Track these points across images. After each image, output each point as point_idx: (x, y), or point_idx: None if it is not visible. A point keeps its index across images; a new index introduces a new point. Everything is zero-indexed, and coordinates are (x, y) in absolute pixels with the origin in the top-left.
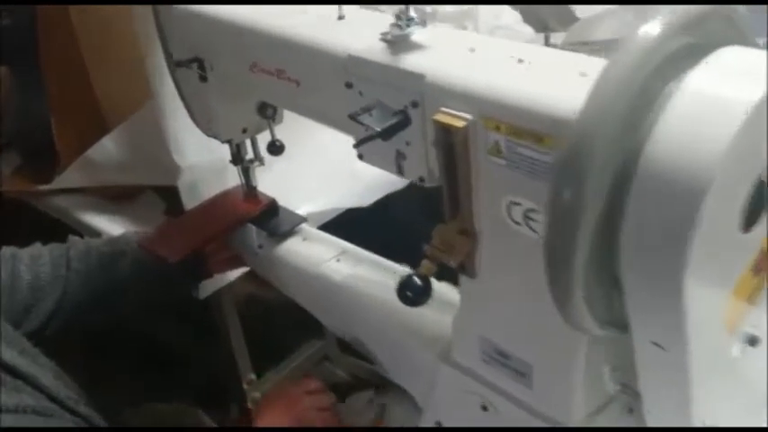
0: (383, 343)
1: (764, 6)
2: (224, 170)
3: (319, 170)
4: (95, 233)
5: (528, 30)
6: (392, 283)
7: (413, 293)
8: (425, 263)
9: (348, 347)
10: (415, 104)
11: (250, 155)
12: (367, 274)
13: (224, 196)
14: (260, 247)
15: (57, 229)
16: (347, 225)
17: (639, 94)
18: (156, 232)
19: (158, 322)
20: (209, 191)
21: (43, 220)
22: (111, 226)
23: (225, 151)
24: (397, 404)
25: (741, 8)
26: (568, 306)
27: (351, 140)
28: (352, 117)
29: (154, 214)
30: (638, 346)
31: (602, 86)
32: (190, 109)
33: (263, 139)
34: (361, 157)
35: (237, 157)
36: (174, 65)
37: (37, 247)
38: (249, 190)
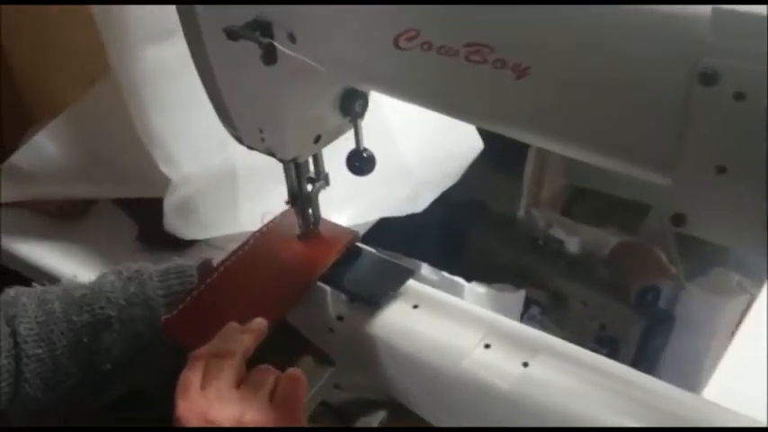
0: None
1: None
2: (233, 180)
3: None
4: (30, 268)
5: None
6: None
7: None
8: None
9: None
10: None
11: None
12: (554, 377)
13: (272, 235)
14: (339, 319)
15: None
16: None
17: None
18: (183, 309)
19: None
20: (211, 211)
21: None
22: (54, 256)
23: (233, 151)
24: None
25: None
26: None
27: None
28: None
29: (118, 237)
30: None
31: None
32: (225, 110)
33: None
34: None
35: (298, 185)
36: (227, 36)
37: None
38: (311, 225)
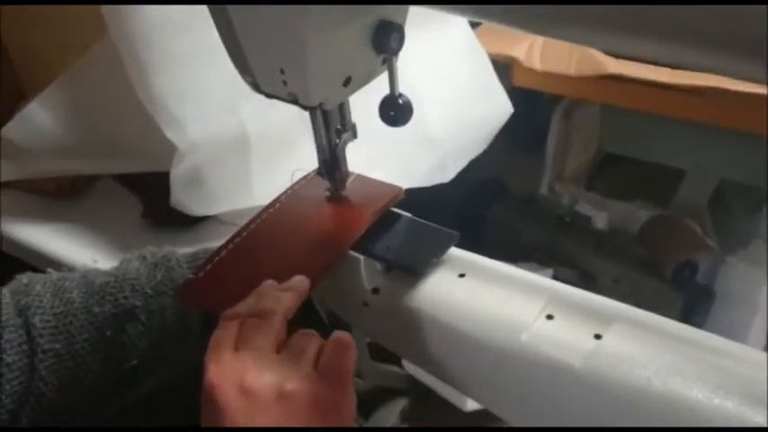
0: None
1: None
2: (246, 148)
3: (376, 131)
4: (30, 252)
5: None
6: None
7: None
8: None
9: (379, 355)
10: None
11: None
12: (635, 349)
13: (301, 196)
14: (374, 291)
15: None
16: None
17: None
18: (207, 272)
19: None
20: (221, 183)
21: None
22: (54, 239)
23: (245, 115)
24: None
25: None
26: None
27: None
28: None
29: (122, 215)
30: None
31: None
32: (239, 50)
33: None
34: None
35: (326, 134)
36: None
37: None
38: (339, 186)
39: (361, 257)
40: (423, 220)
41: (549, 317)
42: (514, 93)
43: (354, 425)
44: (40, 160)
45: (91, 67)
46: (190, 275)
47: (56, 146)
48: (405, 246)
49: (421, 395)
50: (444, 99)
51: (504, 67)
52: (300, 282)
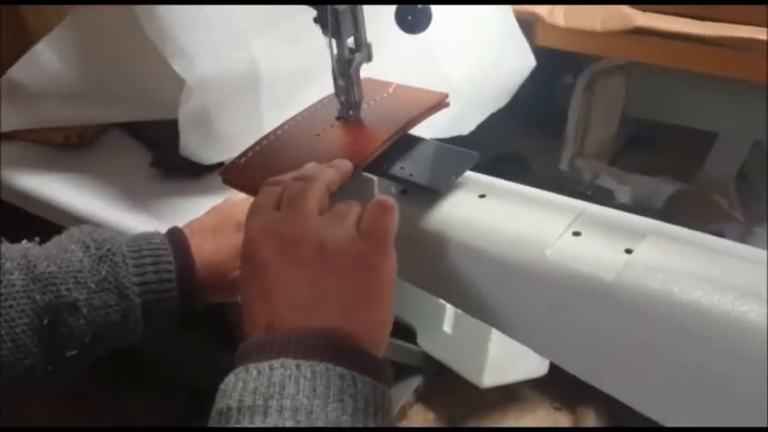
0: None
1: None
2: (256, 86)
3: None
4: (39, 204)
5: None
6: None
7: None
8: None
9: (393, 331)
10: None
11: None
12: (669, 261)
13: (323, 113)
14: None
15: None
16: None
17: None
18: (248, 158)
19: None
20: (231, 124)
21: None
22: (63, 190)
23: (256, 50)
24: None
25: None
26: None
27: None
28: None
29: (131, 165)
30: None
31: None
32: None
33: None
34: None
35: (338, 47)
36: None
37: None
38: (354, 109)
39: (375, 178)
40: (441, 143)
41: (576, 233)
42: (535, 68)
43: (394, 285)
44: (48, 105)
45: (99, 6)
46: (134, 277)
47: (64, 90)
48: (422, 166)
49: (436, 373)
50: (466, 49)
51: (525, 29)
52: (342, 162)
